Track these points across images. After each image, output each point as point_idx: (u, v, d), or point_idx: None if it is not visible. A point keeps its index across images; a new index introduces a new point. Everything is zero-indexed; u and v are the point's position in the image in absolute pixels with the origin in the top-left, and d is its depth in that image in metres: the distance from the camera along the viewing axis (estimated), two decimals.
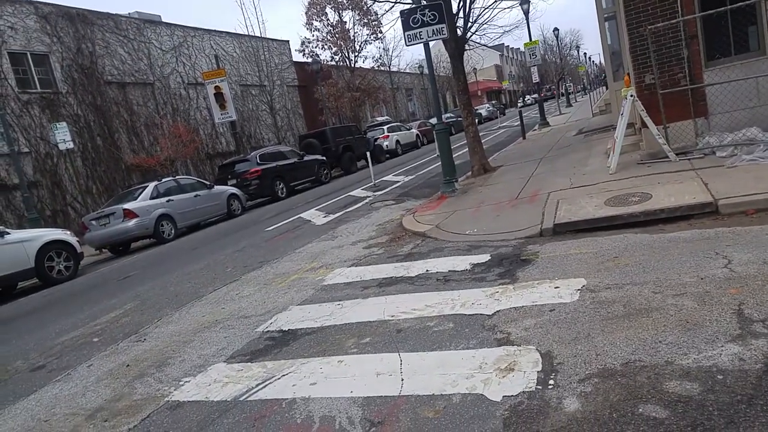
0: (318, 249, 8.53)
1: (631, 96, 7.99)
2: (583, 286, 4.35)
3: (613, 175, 7.90)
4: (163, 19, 25.34)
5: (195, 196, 16.04)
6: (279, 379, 3.96)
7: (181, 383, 4.30)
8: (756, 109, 7.49)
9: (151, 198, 14.91)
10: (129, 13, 24.04)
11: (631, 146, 9.31)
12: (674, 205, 5.69)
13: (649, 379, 2.85)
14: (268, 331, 5.11)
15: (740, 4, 7.36)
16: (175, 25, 25.57)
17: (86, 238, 14.51)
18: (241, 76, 28.97)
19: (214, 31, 27.85)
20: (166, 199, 15.17)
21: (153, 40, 24.03)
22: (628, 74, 8.70)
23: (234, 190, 17.66)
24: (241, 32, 29.74)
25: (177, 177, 17.31)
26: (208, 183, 17.37)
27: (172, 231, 14.97)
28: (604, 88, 38.86)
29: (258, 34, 30.51)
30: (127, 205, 14.43)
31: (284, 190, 19.47)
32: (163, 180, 16.08)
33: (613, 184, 7.39)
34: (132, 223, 14.14)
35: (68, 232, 12.74)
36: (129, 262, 12.68)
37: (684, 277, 4.05)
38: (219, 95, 21.57)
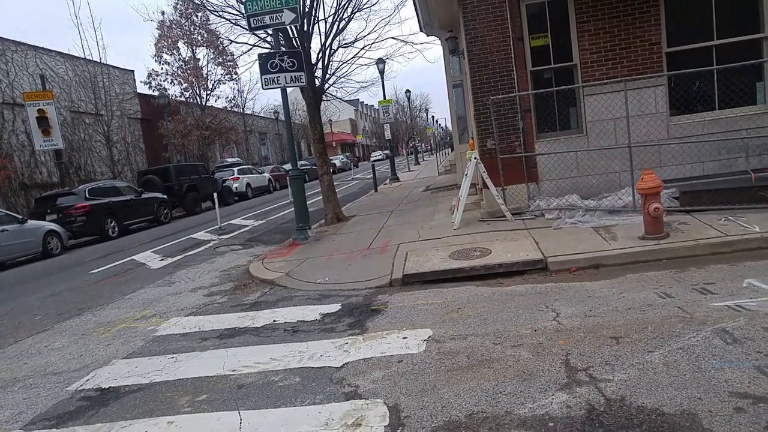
0: (152, 295, 7.80)
1: (475, 158, 8.65)
2: (430, 336, 4.44)
3: (457, 231, 8.38)
4: None
5: (1, 231, 13.93)
6: None
7: None
8: (576, 179, 8.54)
9: None
10: None
11: (473, 204, 10.03)
12: (511, 261, 6.17)
13: (491, 431, 2.91)
14: (82, 389, 4.43)
15: (564, 87, 8.48)
16: None
17: None
18: (73, 101, 26.23)
19: (42, 48, 24.93)
20: None
21: None
22: (473, 138, 9.43)
23: (53, 226, 15.59)
24: (77, 54, 27.20)
25: None
26: (19, 217, 15.20)
27: None
28: (450, 149, 42.00)
29: (97, 59, 28.13)
30: None
31: (116, 228, 17.77)
32: None
33: (457, 238, 7.83)
34: None
35: None
36: None
37: (520, 328, 4.32)
38: (43, 119, 19.10)
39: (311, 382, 3.92)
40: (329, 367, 4.14)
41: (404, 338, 4.49)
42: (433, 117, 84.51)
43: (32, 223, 15.14)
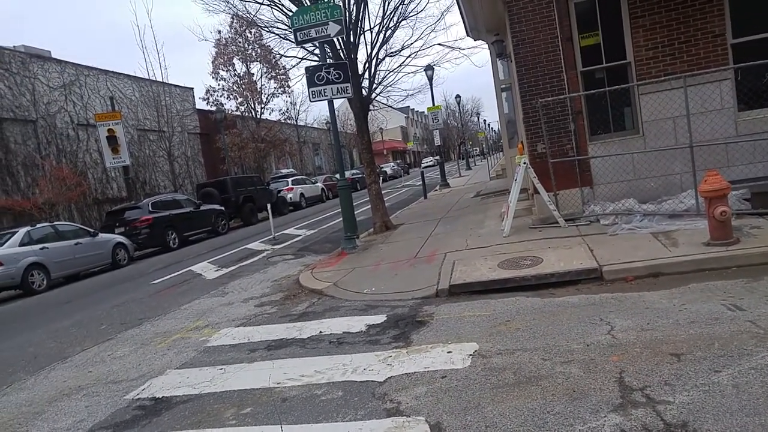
0: (206, 306, 8.01)
1: (525, 163, 8.39)
2: (476, 351, 4.28)
3: (507, 238, 8.14)
4: (54, 56, 23.78)
5: (75, 243, 14.83)
6: None
7: None
8: (632, 182, 8.13)
9: (21, 245, 13.52)
10: (14, 46, 22.23)
11: (524, 211, 9.73)
12: (563, 270, 5.89)
13: None
14: (138, 398, 4.60)
15: (617, 87, 8.10)
16: (67, 62, 23.91)
17: None
18: (139, 120, 27.62)
19: (112, 72, 26.44)
20: (40, 246, 13.86)
21: (39, 75, 22.19)
22: (522, 142, 9.17)
23: (121, 238, 16.52)
24: (142, 75, 28.63)
25: (55, 223, 15.97)
26: (91, 230, 16.18)
27: (44, 281, 13.62)
28: (502, 153, 41.33)
29: (160, 79, 29.49)
30: None
31: (176, 240, 18.44)
32: (38, 226, 14.72)
33: (507, 247, 7.59)
34: None
35: None
36: None
37: (571, 343, 4.10)
38: (112, 138, 20.38)
39: (353, 396, 3.85)
40: (372, 381, 4.07)
41: (449, 352, 4.35)
42: (485, 120, 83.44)
43: (103, 236, 16.12)
